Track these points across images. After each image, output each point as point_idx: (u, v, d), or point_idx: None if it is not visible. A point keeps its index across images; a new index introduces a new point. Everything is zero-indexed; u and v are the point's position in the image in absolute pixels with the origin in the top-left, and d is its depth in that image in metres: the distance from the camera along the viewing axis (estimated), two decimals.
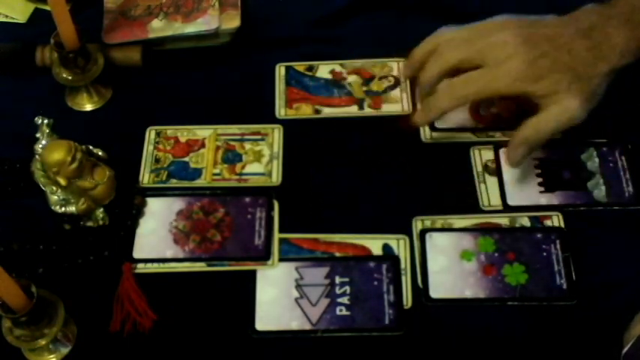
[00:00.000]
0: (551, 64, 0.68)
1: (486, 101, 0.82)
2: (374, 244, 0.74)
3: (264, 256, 0.73)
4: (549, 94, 0.69)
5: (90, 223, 0.74)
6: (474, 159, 0.79)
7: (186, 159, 0.80)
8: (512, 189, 0.77)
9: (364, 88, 0.85)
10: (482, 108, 0.82)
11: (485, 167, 0.78)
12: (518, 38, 0.69)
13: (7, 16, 0.91)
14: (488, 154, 0.79)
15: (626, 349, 0.64)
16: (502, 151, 0.79)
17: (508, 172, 0.78)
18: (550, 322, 0.69)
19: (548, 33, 0.70)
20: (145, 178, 0.79)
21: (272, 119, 0.83)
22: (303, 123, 0.82)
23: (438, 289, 0.71)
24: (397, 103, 0.83)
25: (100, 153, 0.74)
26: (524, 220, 0.75)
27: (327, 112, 0.83)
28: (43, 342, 0.65)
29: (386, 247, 0.73)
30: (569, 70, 0.68)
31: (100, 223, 0.73)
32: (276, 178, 0.78)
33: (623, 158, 0.78)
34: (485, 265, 0.72)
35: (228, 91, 0.85)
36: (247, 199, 0.77)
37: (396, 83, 0.85)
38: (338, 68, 0.86)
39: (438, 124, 0.81)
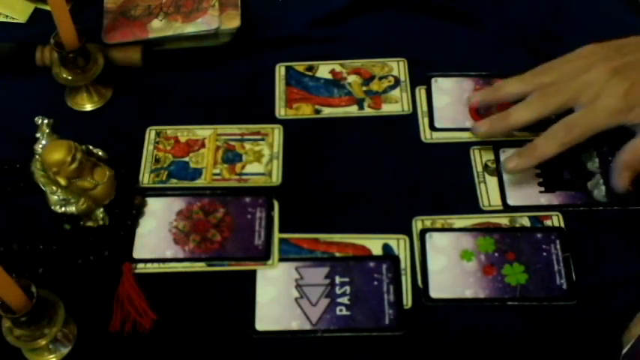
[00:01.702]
0: None
1: (486, 102, 0.82)
2: (374, 244, 0.74)
3: (264, 256, 0.73)
4: None
5: (90, 223, 0.74)
6: (474, 159, 0.79)
7: (186, 159, 0.80)
8: (512, 189, 0.77)
9: (364, 88, 0.85)
10: (482, 108, 0.82)
11: (486, 167, 0.78)
12: (607, 74, 0.72)
13: (7, 16, 0.91)
14: (488, 154, 0.79)
15: (625, 350, 0.64)
16: (502, 151, 0.79)
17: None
18: (550, 322, 0.69)
19: (634, 60, 0.72)
20: (145, 178, 0.79)
21: (272, 119, 0.83)
22: (303, 123, 0.82)
23: (438, 289, 0.71)
24: (397, 103, 0.83)
25: (100, 153, 0.74)
26: (524, 220, 0.75)
27: (327, 112, 0.83)
28: (43, 342, 0.65)
29: (386, 247, 0.73)
30: None
31: (100, 223, 0.73)
32: (276, 178, 0.78)
33: None
34: (485, 265, 0.72)
35: (228, 91, 0.85)
36: (247, 199, 0.77)
37: (396, 83, 0.85)
38: (338, 68, 0.86)
39: (438, 124, 0.81)
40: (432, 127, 0.81)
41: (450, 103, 0.83)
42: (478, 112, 0.82)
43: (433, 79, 0.85)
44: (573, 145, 0.73)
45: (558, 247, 0.73)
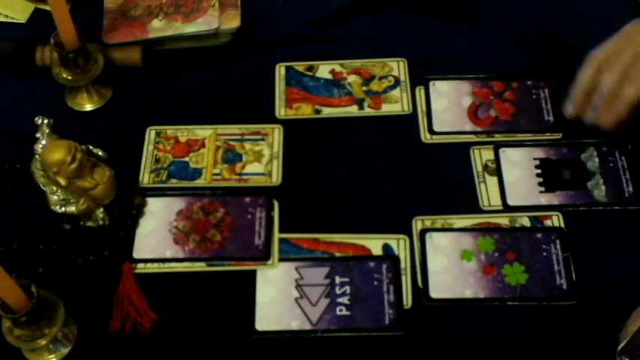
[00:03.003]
0: None
1: (485, 104, 0.83)
2: (374, 244, 0.74)
3: (264, 256, 0.73)
4: None
5: (90, 223, 0.74)
6: (474, 159, 0.79)
7: (186, 159, 0.80)
8: (512, 189, 0.77)
9: (364, 88, 0.85)
10: (481, 111, 0.82)
11: (486, 167, 0.78)
12: None
13: (7, 16, 0.91)
14: (488, 154, 0.79)
15: (621, 346, 0.64)
16: (502, 151, 0.79)
17: (508, 172, 0.78)
18: (550, 322, 0.69)
19: None
20: (145, 178, 0.79)
21: (272, 119, 0.83)
22: (303, 123, 0.82)
23: (438, 289, 0.71)
24: (397, 103, 0.83)
25: (100, 153, 0.74)
26: (524, 220, 0.75)
27: (327, 112, 0.83)
28: (43, 342, 0.65)
29: (386, 247, 0.73)
30: None
31: (100, 223, 0.73)
32: (276, 178, 0.78)
33: (623, 158, 0.78)
34: (485, 265, 0.72)
35: (228, 91, 0.85)
36: (247, 199, 0.77)
37: (396, 83, 0.85)
38: (338, 68, 0.86)
39: (437, 128, 0.81)
40: (431, 131, 0.81)
41: (448, 106, 0.83)
42: (476, 114, 0.82)
43: (431, 82, 0.85)
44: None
45: (558, 247, 0.73)
